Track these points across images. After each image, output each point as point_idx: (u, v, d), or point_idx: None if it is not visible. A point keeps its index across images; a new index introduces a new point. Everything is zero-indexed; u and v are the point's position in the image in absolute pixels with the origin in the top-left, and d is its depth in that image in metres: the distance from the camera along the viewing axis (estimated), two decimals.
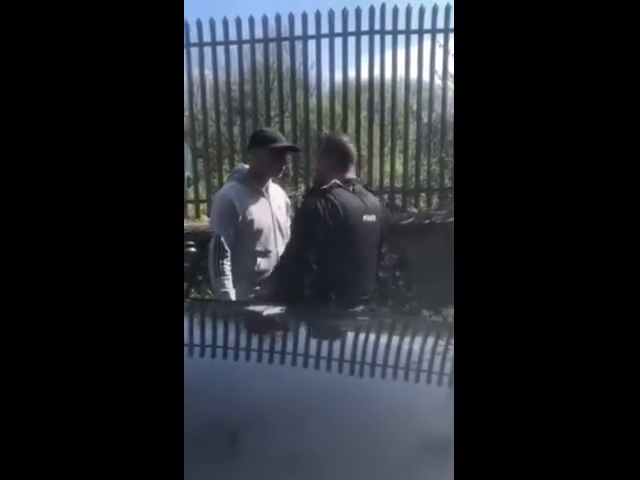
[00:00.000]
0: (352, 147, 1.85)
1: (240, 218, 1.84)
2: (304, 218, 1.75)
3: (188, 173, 4.50)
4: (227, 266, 1.84)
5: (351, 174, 1.80)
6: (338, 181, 1.73)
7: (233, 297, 1.82)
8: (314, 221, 1.66)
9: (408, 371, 0.86)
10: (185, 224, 3.77)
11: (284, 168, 1.94)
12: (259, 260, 1.88)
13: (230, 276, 1.84)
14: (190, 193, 4.30)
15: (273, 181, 2.02)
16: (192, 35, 3.83)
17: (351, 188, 1.76)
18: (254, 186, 1.92)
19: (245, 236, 1.86)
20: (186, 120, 4.21)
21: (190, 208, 4.13)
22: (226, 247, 1.83)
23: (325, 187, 1.72)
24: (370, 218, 1.77)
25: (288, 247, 1.81)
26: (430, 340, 1.09)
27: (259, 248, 1.89)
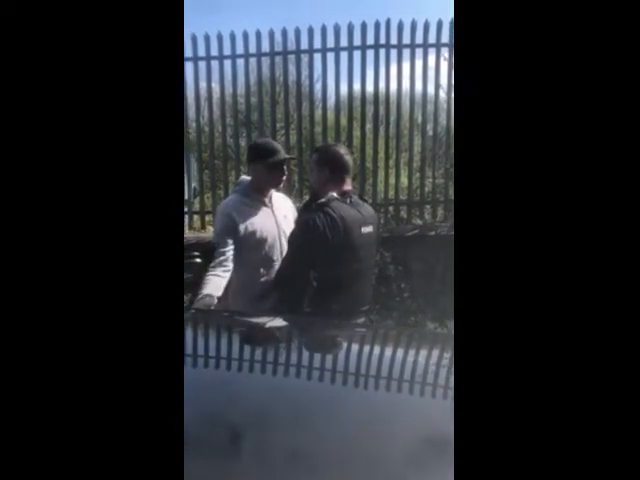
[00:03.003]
0: (349, 159, 1.81)
1: (242, 230, 1.84)
2: (303, 233, 1.69)
3: (194, 184, 4.53)
4: (212, 272, 1.78)
5: (348, 186, 1.78)
6: (335, 194, 1.71)
7: (210, 299, 1.72)
8: (313, 236, 1.63)
9: (412, 383, 0.85)
10: (191, 235, 3.78)
11: (284, 179, 1.95)
12: (263, 271, 1.88)
13: (213, 280, 1.76)
14: (196, 204, 4.32)
15: (278, 190, 2.02)
16: (199, 49, 3.89)
17: (348, 200, 1.74)
18: (257, 198, 1.93)
19: (248, 247, 1.86)
20: (193, 132, 4.26)
21: (196, 219, 4.15)
22: (222, 258, 1.80)
23: (323, 200, 1.69)
24: (368, 229, 1.76)
25: (287, 262, 1.75)
26: (435, 352, 1.08)
27: (264, 258, 1.88)
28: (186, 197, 4.24)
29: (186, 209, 4.16)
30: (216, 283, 1.76)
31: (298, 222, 1.82)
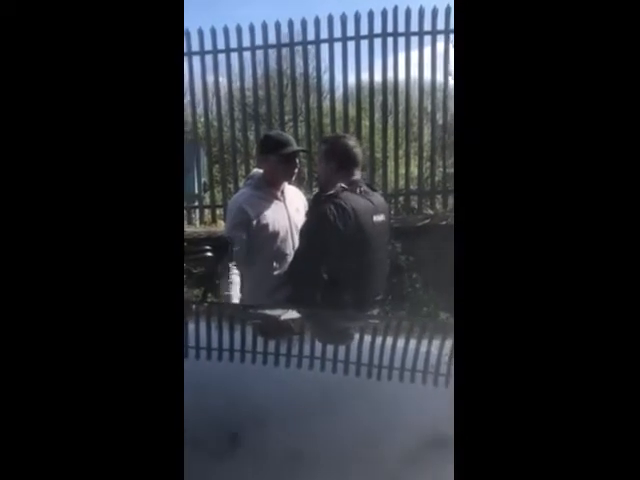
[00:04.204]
0: (357, 149, 1.79)
1: (254, 223, 1.85)
2: (314, 226, 1.68)
3: (204, 179, 4.55)
4: (235, 271, 1.82)
5: (356, 176, 1.76)
6: (344, 184, 1.69)
7: (236, 301, 1.80)
8: (326, 228, 1.62)
9: (426, 374, 0.86)
10: (201, 229, 3.81)
11: (296, 171, 1.94)
12: (276, 264, 1.88)
13: (236, 281, 1.82)
14: (206, 198, 4.35)
15: (290, 183, 2.02)
16: (206, 43, 3.89)
17: (358, 190, 1.72)
18: (269, 191, 1.93)
19: (260, 240, 1.86)
20: (201, 126, 4.27)
21: (206, 213, 4.18)
22: (238, 252, 1.81)
23: (332, 192, 1.67)
24: (380, 218, 1.75)
25: (299, 255, 1.75)
26: (448, 342, 1.08)
27: (276, 252, 1.89)
28: (196, 192, 4.27)
29: (197, 203, 4.19)
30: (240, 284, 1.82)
31: (309, 215, 1.81)
